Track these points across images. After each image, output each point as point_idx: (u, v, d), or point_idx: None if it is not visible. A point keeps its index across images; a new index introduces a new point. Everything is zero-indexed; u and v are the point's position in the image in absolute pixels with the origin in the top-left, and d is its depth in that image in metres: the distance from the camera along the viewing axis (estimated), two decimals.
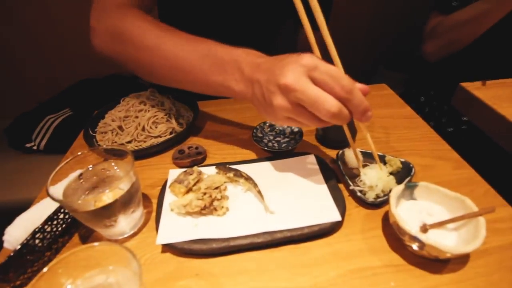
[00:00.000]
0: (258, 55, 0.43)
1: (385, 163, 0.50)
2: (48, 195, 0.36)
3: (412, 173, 0.47)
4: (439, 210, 0.40)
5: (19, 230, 0.42)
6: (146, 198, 0.49)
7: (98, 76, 1.32)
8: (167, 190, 0.47)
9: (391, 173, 0.48)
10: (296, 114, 0.38)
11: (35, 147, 1.14)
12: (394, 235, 0.40)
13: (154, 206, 0.47)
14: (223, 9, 0.68)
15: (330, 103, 0.34)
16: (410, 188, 0.42)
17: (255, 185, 0.46)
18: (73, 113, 1.18)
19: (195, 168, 0.49)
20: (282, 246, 0.41)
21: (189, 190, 0.46)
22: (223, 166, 0.50)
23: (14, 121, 1.22)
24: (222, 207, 0.44)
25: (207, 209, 0.43)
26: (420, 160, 0.53)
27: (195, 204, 0.43)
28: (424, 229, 0.38)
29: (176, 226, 0.42)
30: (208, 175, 0.49)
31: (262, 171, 0.50)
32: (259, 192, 0.45)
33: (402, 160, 0.50)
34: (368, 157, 0.51)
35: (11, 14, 1.28)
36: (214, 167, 0.51)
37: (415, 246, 0.36)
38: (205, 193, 0.44)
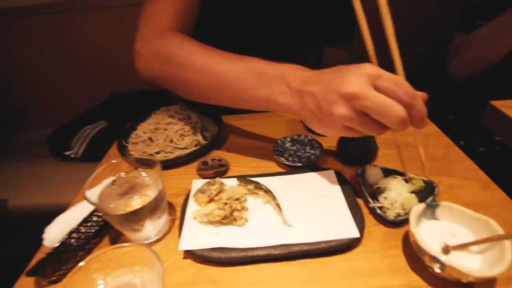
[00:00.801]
0: (303, 69, 0.45)
1: (407, 181, 0.50)
2: (85, 198, 0.40)
3: (435, 193, 0.46)
4: (462, 231, 0.39)
5: (57, 230, 0.46)
6: (170, 206, 0.52)
7: (131, 90, 1.42)
8: (191, 199, 0.50)
9: (414, 192, 0.48)
10: (358, 123, 0.38)
11: (73, 155, 1.23)
12: (414, 255, 0.40)
13: (178, 214, 0.50)
14: (251, 29, 0.71)
15: (398, 109, 0.35)
16: (432, 207, 0.41)
17: (274, 198, 0.47)
18: (108, 125, 1.26)
19: (218, 179, 0.52)
20: (299, 259, 0.41)
21: (211, 200, 0.48)
22: (244, 178, 0.52)
23: (56, 131, 1.33)
24: (242, 217, 0.45)
25: (228, 219, 0.45)
26: (445, 179, 0.52)
27: (217, 213, 0.45)
28: (446, 250, 0.37)
29: (198, 234, 0.44)
30: (230, 187, 0.51)
31: (281, 184, 0.51)
32: (278, 205, 0.46)
33: (425, 179, 0.49)
34: (389, 174, 0.51)
35: (61, 34, 1.42)
36: (235, 179, 0.53)
37: (436, 268, 0.35)
38: (226, 204, 0.46)
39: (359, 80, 0.36)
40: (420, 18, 1.46)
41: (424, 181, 0.49)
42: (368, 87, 0.36)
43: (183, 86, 0.57)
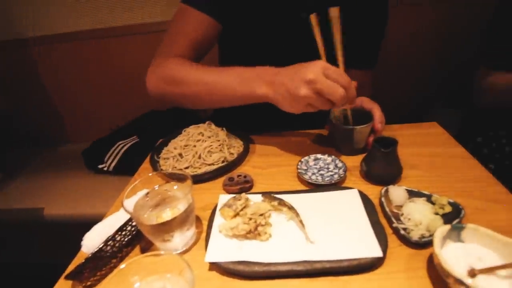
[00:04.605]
0: (273, 67, 0.60)
1: (433, 203, 0.50)
2: (123, 207, 0.43)
3: (461, 215, 0.46)
4: (489, 255, 0.39)
5: (94, 237, 0.50)
6: (198, 219, 0.54)
7: (162, 108, 1.50)
8: (217, 213, 0.52)
9: (439, 214, 0.47)
10: (315, 100, 0.54)
11: (105, 168, 1.30)
12: (439, 278, 0.39)
13: (204, 227, 0.52)
14: (269, 50, 0.78)
15: (341, 90, 0.52)
16: (458, 229, 0.41)
17: (297, 214, 0.49)
18: (139, 140, 1.34)
19: (243, 194, 0.54)
20: (321, 276, 0.42)
21: (236, 215, 0.51)
22: (268, 195, 0.54)
23: (91, 145, 1.42)
24: (266, 233, 0.47)
25: (252, 233, 0.47)
26: (473, 202, 0.51)
27: (242, 227, 0.47)
28: (473, 273, 0.37)
29: (223, 247, 0.46)
30: (254, 202, 0.53)
31: (305, 202, 0.53)
32: (301, 221, 0.48)
33: (451, 201, 0.49)
34: (414, 195, 0.51)
35: (100, 57, 1.55)
36: (260, 195, 0.55)
37: None
38: (250, 218, 0.48)
39: (315, 71, 0.52)
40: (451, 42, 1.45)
41: (450, 203, 0.48)
42: (322, 75, 0.52)
43: (186, 99, 0.70)
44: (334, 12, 0.56)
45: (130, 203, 0.47)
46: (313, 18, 0.57)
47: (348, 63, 0.60)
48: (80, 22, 1.46)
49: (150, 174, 0.50)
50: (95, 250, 0.46)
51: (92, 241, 0.49)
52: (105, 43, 1.52)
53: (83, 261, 0.45)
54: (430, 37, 1.44)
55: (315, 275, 0.42)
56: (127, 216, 0.51)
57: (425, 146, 0.68)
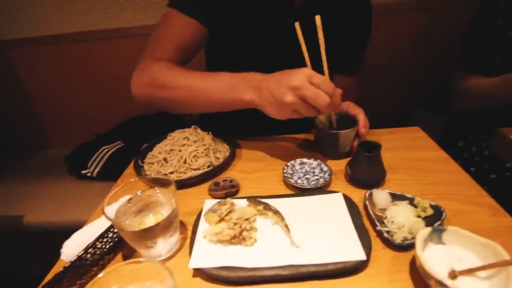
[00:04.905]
0: (258, 73, 0.60)
1: (415, 206, 0.50)
2: (104, 214, 0.42)
3: (442, 217, 0.47)
4: (469, 256, 0.39)
5: (74, 245, 0.48)
6: (182, 225, 0.53)
7: (148, 113, 1.48)
8: (202, 218, 0.51)
9: (421, 217, 0.48)
10: (300, 107, 0.54)
11: (89, 174, 1.27)
12: (422, 280, 0.40)
13: (189, 232, 0.51)
14: (255, 55, 0.79)
15: (325, 97, 0.53)
16: (438, 231, 0.42)
17: (283, 219, 0.49)
18: (124, 145, 1.31)
19: (228, 199, 0.53)
20: (307, 280, 0.42)
21: (221, 220, 0.50)
22: (254, 199, 0.53)
23: (74, 150, 1.38)
24: (251, 237, 0.47)
25: (237, 238, 0.46)
26: (453, 205, 0.52)
27: (226, 233, 0.46)
28: (453, 275, 0.37)
29: (207, 253, 0.45)
30: (240, 207, 0.53)
31: (290, 206, 0.53)
32: (286, 226, 0.48)
33: (433, 203, 0.50)
34: (397, 198, 0.52)
35: (83, 60, 1.52)
36: (245, 199, 0.54)
37: None
38: (235, 223, 0.48)
39: (301, 78, 0.53)
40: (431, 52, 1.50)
41: (432, 206, 0.49)
42: (307, 82, 0.52)
43: (170, 103, 0.70)
44: (318, 21, 0.57)
45: (112, 209, 0.46)
46: (297, 26, 0.57)
47: (334, 69, 0.61)
48: (62, 24, 1.43)
49: (132, 180, 0.49)
50: (74, 258, 0.44)
51: (72, 249, 0.47)
52: (88, 46, 1.49)
53: (62, 270, 0.44)
54: (413, 44, 1.49)
55: (301, 279, 0.42)
56: (109, 223, 0.50)
57: (408, 150, 0.69)
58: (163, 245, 0.46)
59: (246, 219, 0.49)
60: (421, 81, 1.59)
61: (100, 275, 0.31)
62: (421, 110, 1.61)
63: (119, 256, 0.49)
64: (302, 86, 0.52)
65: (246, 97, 0.60)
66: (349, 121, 0.67)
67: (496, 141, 0.70)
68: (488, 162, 0.87)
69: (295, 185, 0.58)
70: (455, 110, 0.97)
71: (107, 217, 0.42)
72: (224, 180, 0.62)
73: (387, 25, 1.42)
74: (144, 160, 0.70)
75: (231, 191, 0.59)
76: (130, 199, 0.49)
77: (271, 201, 0.53)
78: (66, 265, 0.44)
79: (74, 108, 1.65)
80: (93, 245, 0.46)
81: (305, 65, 0.60)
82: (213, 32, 0.78)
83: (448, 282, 0.34)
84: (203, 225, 0.50)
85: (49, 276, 0.45)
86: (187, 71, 0.68)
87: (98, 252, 0.47)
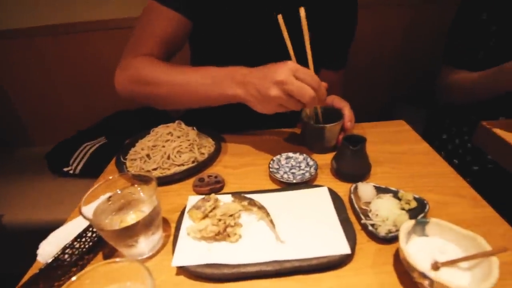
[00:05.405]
0: (244, 68, 0.59)
1: (399, 199, 0.51)
2: (80, 213, 0.40)
3: (426, 210, 0.47)
4: (451, 248, 0.40)
5: (51, 245, 0.46)
6: (166, 222, 0.52)
7: (132, 108, 1.44)
8: (186, 215, 0.50)
9: (405, 209, 0.48)
10: (286, 101, 0.54)
11: (71, 171, 1.23)
12: (405, 272, 0.40)
13: (173, 230, 0.50)
14: (240, 49, 0.77)
15: (310, 91, 0.52)
16: (422, 224, 0.42)
17: (268, 214, 0.48)
18: (107, 141, 1.28)
19: (212, 195, 0.52)
20: (291, 275, 0.41)
21: (205, 216, 0.49)
22: (238, 195, 0.52)
23: (55, 147, 1.34)
24: (235, 234, 0.46)
25: (221, 235, 0.45)
26: (436, 197, 0.53)
27: (210, 229, 0.45)
28: (436, 266, 0.38)
29: (191, 250, 0.44)
30: (224, 203, 0.52)
31: (275, 201, 0.52)
32: (271, 221, 0.47)
33: (416, 196, 0.50)
34: (381, 191, 0.52)
35: (62, 54, 1.46)
36: (230, 195, 0.54)
37: (425, 284, 0.35)
38: (220, 220, 0.47)
39: (285, 72, 0.52)
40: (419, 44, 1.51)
41: (416, 198, 0.50)
42: (291, 76, 0.52)
43: (155, 99, 0.68)
44: (302, 12, 0.56)
45: (91, 208, 0.44)
46: (280, 18, 0.56)
47: (319, 64, 0.60)
48: (40, 16, 1.37)
49: (111, 177, 0.47)
50: (51, 259, 0.42)
51: (48, 250, 0.46)
52: (69, 39, 1.43)
53: (37, 271, 0.42)
54: (397, 38, 1.50)
55: (285, 274, 0.41)
56: (88, 222, 0.48)
57: (392, 144, 0.69)
58: (145, 244, 0.45)
59: (231, 215, 0.48)
60: (406, 75, 1.60)
61: (73, 278, 0.30)
62: (406, 103, 1.63)
63: (100, 256, 0.48)
64: (286, 81, 0.52)
65: (231, 92, 0.59)
66: (334, 115, 0.66)
67: (479, 134, 0.71)
68: (471, 155, 0.88)
69: (281, 180, 0.58)
70: (440, 103, 0.98)
71: (84, 216, 0.40)
72: (209, 176, 0.61)
73: (372, 19, 1.42)
74: (127, 157, 0.68)
75: (216, 187, 0.58)
76: (110, 197, 0.47)
77: (256, 197, 0.52)
78: (42, 267, 0.42)
79: (55, 104, 1.59)
80: (70, 245, 0.44)
81: (290, 58, 0.59)
82: (197, 26, 0.75)
83: (431, 274, 0.34)
84: (186, 222, 0.49)
85: (25, 278, 0.43)
86: (171, 66, 0.67)
87: (76, 252, 0.45)
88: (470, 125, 0.91)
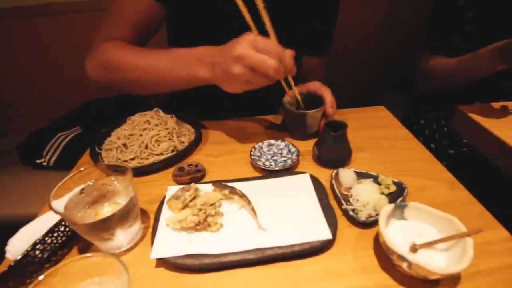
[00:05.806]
0: (211, 47, 0.56)
1: (379, 183, 0.51)
2: (50, 208, 0.38)
3: (404, 193, 0.48)
4: (429, 230, 0.41)
5: (21, 241, 0.44)
6: (145, 214, 0.51)
7: (108, 96, 1.38)
8: (165, 205, 0.49)
9: (385, 194, 0.49)
10: (251, 77, 0.51)
11: (45, 163, 1.18)
12: (385, 255, 0.40)
13: (152, 221, 0.49)
14: (216, 30, 0.73)
15: (272, 61, 0.48)
16: (400, 208, 0.43)
17: (249, 202, 0.47)
18: (83, 131, 1.22)
19: (192, 185, 0.51)
20: (273, 263, 0.41)
21: (185, 206, 0.48)
22: (219, 184, 0.51)
23: (27, 138, 1.27)
24: (216, 223, 0.45)
25: (201, 225, 0.44)
26: (414, 181, 0.54)
27: (190, 219, 0.44)
28: (414, 249, 0.38)
29: (171, 241, 0.43)
30: (205, 192, 0.50)
31: (257, 189, 0.51)
32: (253, 209, 0.46)
33: (396, 180, 0.51)
34: (362, 177, 0.52)
35: (34, 38, 1.37)
36: (211, 184, 0.52)
37: (404, 266, 0.36)
38: (200, 209, 0.46)
39: (243, 46, 0.49)
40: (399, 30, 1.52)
41: (395, 182, 0.50)
42: (250, 49, 0.49)
43: (127, 85, 0.66)
44: None
45: (62, 202, 0.42)
46: None
47: (303, 50, 0.58)
48: None
49: (83, 169, 0.44)
50: (21, 256, 0.40)
51: (18, 246, 0.43)
52: (42, 21, 1.35)
53: (6, 269, 0.39)
54: (379, 25, 1.50)
55: (267, 262, 0.41)
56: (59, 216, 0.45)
57: (373, 129, 0.70)
58: (123, 236, 0.44)
59: (211, 205, 0.47)
60: (387, 61, 1.62)
61: (41, 277, 0.28)
62: (388, 90, 1.66)
63: (75, 251, 0.46)
64: (245, 55, 0.48)
65: (200, 74, 0.57)
66: (316, 101, 0.66)
67: (455, 118, 0.73)
68: (447, 139, 0.91)
69: (263, 167, 0.57)
70: (419, 89, 0.99)
71: (54, 210, 0.38)
72: (189, 165, 0.59)
73: (354, 5, 1.41)
74: (102, 147, 0.65)
75: (196, 176, 0.57)
76: (83, 189, 0.45)
77: (237, 185, 0.51)
78: (11, 264, 0.40)
79: (26, 92, 1.51)
80: (41, 240, 0.42)
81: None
82: (172, 10, 0.72)
83: (409, 256, 0.34)
84: (166, 213, 0.48)
85: None
86: (141, 50, 0.65)
87: (48, 248, 0.43)
88: (447, 110, 0.93)
